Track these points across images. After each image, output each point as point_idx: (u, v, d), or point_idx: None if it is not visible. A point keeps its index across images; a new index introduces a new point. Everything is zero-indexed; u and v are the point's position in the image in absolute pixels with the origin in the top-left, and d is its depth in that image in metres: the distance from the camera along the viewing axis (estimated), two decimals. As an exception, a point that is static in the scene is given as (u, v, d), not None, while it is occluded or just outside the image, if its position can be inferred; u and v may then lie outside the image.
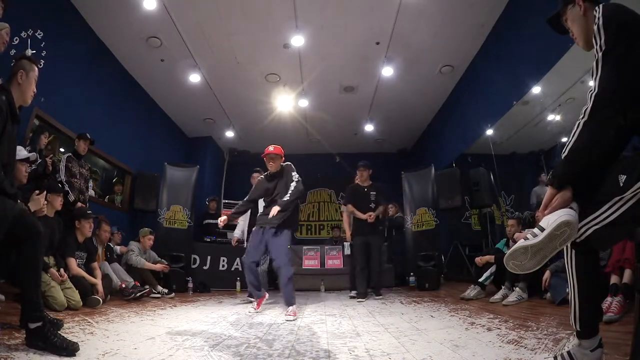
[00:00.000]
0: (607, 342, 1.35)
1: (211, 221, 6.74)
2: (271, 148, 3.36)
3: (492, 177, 6.14)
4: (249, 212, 4.52)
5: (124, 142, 5.97)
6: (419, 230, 5.86)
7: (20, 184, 2.65)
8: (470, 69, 5.90)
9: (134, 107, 6.28)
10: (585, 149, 1.15)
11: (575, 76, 3.94)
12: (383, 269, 4.64)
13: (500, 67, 5.03)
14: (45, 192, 2.50)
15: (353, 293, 4.63)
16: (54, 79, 4.13)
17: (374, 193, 4.55)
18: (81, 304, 2.96)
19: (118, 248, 4.69)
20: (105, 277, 3.64)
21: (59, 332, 1.76)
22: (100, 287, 3.38)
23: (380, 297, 4.31)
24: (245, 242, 4.48)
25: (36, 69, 1.93)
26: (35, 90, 1.92)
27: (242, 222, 4.57)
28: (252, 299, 4.15)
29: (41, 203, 2.39)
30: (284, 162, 3.43)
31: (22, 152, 2.84)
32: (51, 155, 3.81)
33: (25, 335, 1.66)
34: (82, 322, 2.41)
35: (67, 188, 3.72)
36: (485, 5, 4.63)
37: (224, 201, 7.41)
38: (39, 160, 3.59)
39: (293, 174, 3.32)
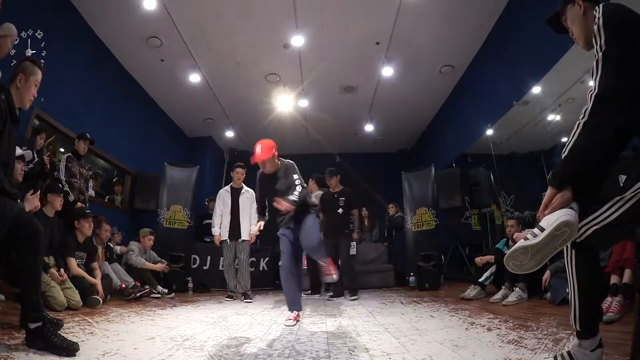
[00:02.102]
0: (607, 342, 1.35)
1: (210, 221, 6.73)
2: (258, 149, 2.76)
3: (492, 177, 6.14)
4: (230, 214, 4.45)
5: (124, 142, 5.97)
6: (419, 230, 5.86)
7: (16, 183, 2.65)
8: (470, 69, 5.90)
9: (134, 107, 6.28)
10: (585, 149, 1.15)
11: (575, 76, 3.94)
12: (353, 270, 4.72)
13: (500, 67, 5.03)
14: (39, 192, 2.49)
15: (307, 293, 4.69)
16: (54, 79, 4.12)
17: (343, 198, 4.69)
18: (81, 304, 2.96)
19: (118, 248, 4.70)
20: (105, 277, 3.64)
21: (59, 332, 1.76)
22: (100, 288, 3.38)
23: (356, 297, 4.22)
24: (229, 240, 4.42)
25: (39, 72, 1.89)
26: (35, 94, 1.88)
27: (218, 218, 4.48)
28: (230, 299, 4.23)
29: (35, 203, 2.39)
30: (279, 159, 2.91)
31: (17, 150, 2.84)
32: (48, 154, 3.80)
33: (25, 335, 1.66)
34: (82, 322, 2.41)
35: (67, 188, 3.72)
36: (485, 5, 4.63)
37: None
38: (36, 159, 3.58)
39: (295, 176, 2.82)
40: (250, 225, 4.37)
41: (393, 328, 2.38)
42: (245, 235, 4.41)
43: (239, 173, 4.56)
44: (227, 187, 4.63)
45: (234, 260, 4.43)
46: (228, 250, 4.42)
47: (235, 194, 4.54)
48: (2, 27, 2.43)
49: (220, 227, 4.45)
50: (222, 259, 4.93)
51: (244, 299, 4.23)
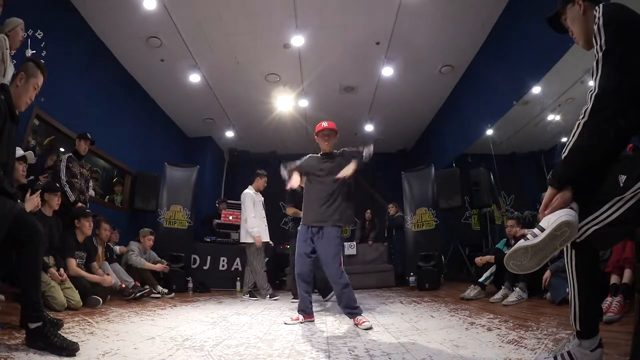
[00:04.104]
0: (607, 342, 1.35)
1: (219, 221, 6.76)
2: (325, 123, 2.93)
3: (492, 177, 6.14)
4: (265, 218, 4.67)
5: (124, 142, 5.97)
6: (419, 230, 5.86)
7: (18, 184, 2.65)
8: (470, 69, 5.90)
9: (134, 107, 6.28)
10: (585, 149, 1.15)
11: (575, 76, 3.94)
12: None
13: (500, 67, 5.03)
14: (38, 191, 2.49)
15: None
16: (54, 79, 4.09)
17: None
18: (81, 304, 2.96)
19: (118, 248, 4.69)
20: (105, 277, 3.64)
21: (59, 332, 1.76)
22: (107, 281, 3.43)
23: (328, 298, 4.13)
24: (270, 241, 4.65)
25: (40, 76, 1.87)
26: (33, 98, 1.85)
27: (254, 219, 4.58)
28: (276, 297, 4.33)
29: (35, 203, 2.39)
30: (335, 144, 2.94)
31: (18, 151, 2.84)
32: (46, 175, 3.75)
33: (25, 335, 1.66)
34: (82, 322, 2.41)
35: (67, 188, 3.72)
36: (485, 5, 4.63)
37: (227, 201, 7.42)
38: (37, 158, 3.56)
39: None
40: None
41: (393, 328, 2.38)
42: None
43: (265, 181, 4.81)
44: (253, 191, 4.77)
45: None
46: (264, 251, 4.60)
47: (261, 198, 4.79)
48: (8, 22, 2.45)
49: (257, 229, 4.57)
50: (248, 259, 4.97)
51: (250, 297, 4.45)
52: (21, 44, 2.31)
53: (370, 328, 2.38)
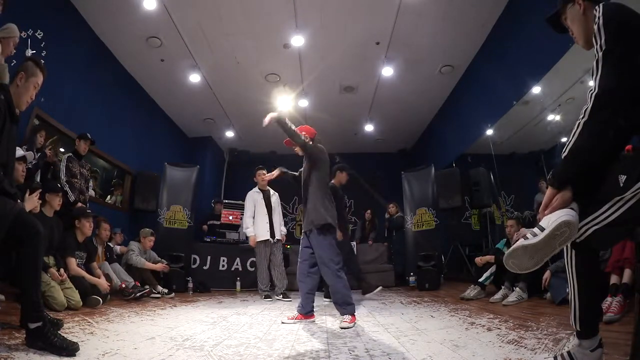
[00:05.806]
0: (607, 342, 1.35)
1: (215, 222, 6.76)
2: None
3: (492, 177, 6.14)
4: (266, 215, 4.60)
5: (124, 142, 5.97)
6: (419, 230, 5.86)
7: (18, 184, 2.65)
8: (470, 69, 5.90)
9: (134, 107, 6.28)
10: (585, 149, 1.15)
11: (575, 76, 3.94)
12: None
13: (500, 67, 5.03)
14: (38, 191, 2.49)
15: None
16: (54, 79, 4.12)
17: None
18: (81, 304, 2.96)
19: (118, 248, 4.70)
20: (106, 277, 3.64)
21: (59, 332, 1.76)
22: (104, 283, 3.40)
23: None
24: (271, 239, 4.56)
25: (40, 75, 1.87)
26: (33, 97, 1.86)
27: (250, 219, 4.58)
28: (270, 299, 4.28)
29: (34, 203, 2.39)
30: (309, 141, 2.83)
31: (18, 151, 2.84)
32: (50, 148, 3.78)
33: (25, 335, 1.66)
34: (82, 322, 2.41)
35: (67, 188, 3.72)
36: (485, 5, 4.64)
37: (224, 201, 7.43)
38: (35, 160, 3.57)
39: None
40: (280, 226, 4.71)
41: (393, 328, 2.38)
42: (278, 235, 4.65)
43: (260, 175, 4.68)
44: (256, 189, 4.77)
45: (268, 261, 4.60)
46: (265, 250, 4.55)
47: (267, 195, 4.73)
48: (4, 28, 2.42)
49: (253, 228, 4.56)
50: (252, 259, 5.02)
51: (283, 297, 4.35)
52: (7, 57, 2.28)
53: (345, 328, 2.43)
